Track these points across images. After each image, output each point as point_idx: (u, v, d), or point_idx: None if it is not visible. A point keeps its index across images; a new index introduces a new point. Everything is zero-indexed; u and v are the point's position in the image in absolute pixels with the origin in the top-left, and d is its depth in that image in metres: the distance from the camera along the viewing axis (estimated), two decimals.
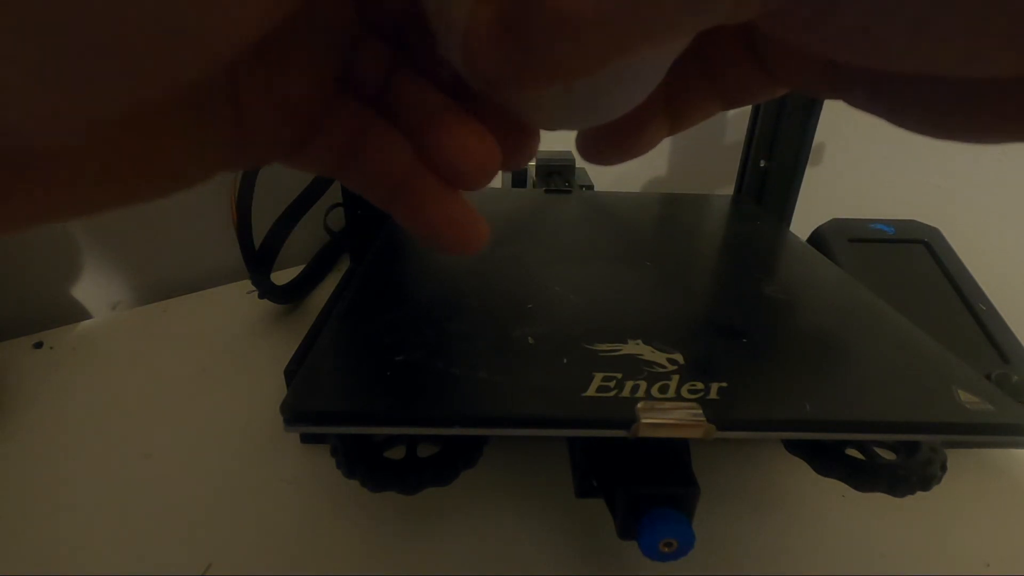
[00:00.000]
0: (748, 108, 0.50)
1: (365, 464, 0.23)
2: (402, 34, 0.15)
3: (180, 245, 0.53)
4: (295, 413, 0.21)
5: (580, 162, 0.59)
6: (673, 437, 0.21)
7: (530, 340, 0.25)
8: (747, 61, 0.14)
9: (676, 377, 0.23)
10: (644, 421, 0.20)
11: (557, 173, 0.56)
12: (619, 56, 0.09)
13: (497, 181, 0.61)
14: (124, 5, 0.07)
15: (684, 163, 0.67)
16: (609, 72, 0.11)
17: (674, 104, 0.15)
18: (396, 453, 0.23)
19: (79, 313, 0.49)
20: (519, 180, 0.58)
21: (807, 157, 0.47)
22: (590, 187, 0.55)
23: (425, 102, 0.14)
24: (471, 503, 0.29)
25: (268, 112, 0.12)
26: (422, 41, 0.14)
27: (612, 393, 0.22)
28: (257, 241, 0.43)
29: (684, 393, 0.22)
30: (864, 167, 0.64)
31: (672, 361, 0.24)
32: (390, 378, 0.22)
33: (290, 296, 0.48)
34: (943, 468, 0.24)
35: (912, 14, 0.08)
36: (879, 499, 0.23)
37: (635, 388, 0.22)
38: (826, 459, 0.24)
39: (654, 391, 0.22)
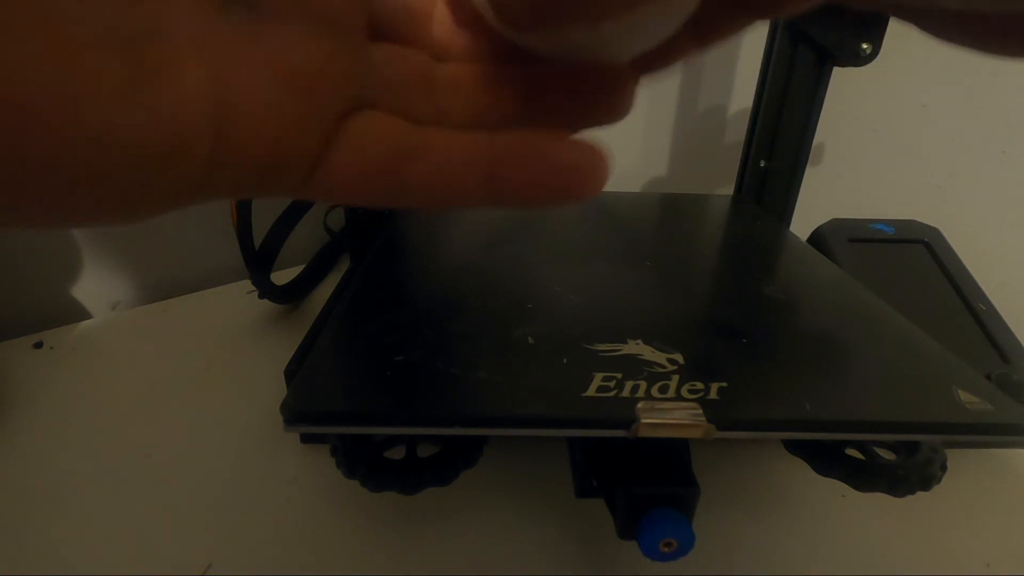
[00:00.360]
0: (748, 109, 0.50)
1: (365, 464, 0.23)
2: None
3: (180, 245, 0.53)
4: (295, 413, 0.21)
5: None
6: (673, 437, 0.21)
7: (530, 340, 0.25)
8: None
9: (676, 377, 0.23)
10: (644, 421, 0.20)
11: None
12: None
13: None
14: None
15: (684, 163, 0.67)
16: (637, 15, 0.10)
17: (702, 22, 0.13)
18: (396, 453, 0.23)
19: (79, 313, 0.49)
20: None
21: (807, 157, 0.47)
22: None
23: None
24: (471, 503, 0.29)
25: (264, 89, 0.11)
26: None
27: (612, 393, 0.22)
28: (257, 241, 0.43)
29: (684, 393, 0.22)
30: (864, 167, 0.64)
31: (672, 361, 0.24)
32: (390, 378, 0.22)
33: (290, 296, 0.48)
34: (943, 468, 0.24)
35: None
36: (879, 499, 0.23)
37: (635, 388, 0.22)
38: (826, 459, 0.24)
39: (654, 391, 0.22)
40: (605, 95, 0.14)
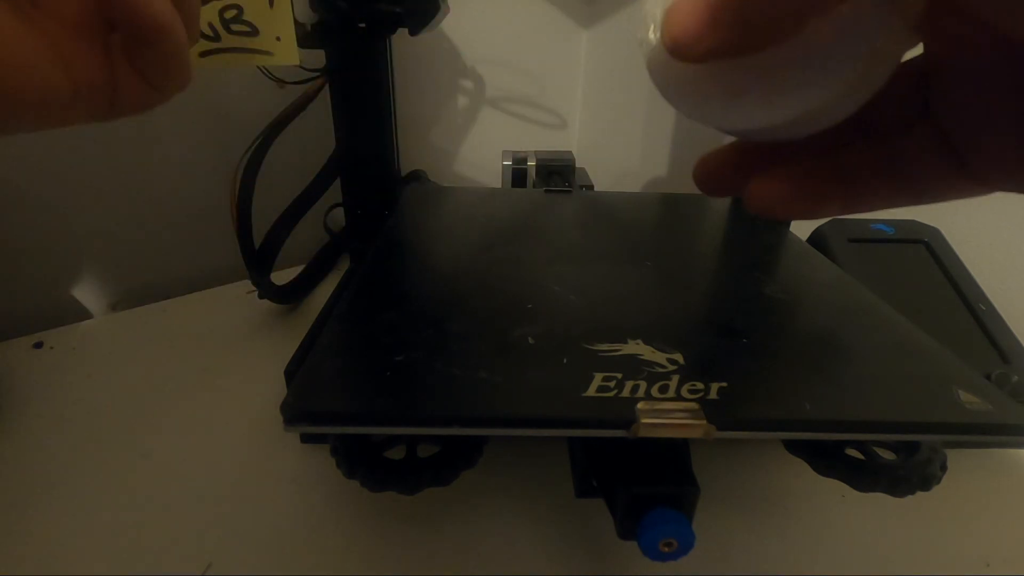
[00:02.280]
0: None
1: (365, 464, 0.23)
2: None
3: (180, 245, 0.53)
4: (295, 413, 0.21)
5: (580, 162, 0.59)
6: (673, 437, 0.21)
7: (530, 340, 0.25)
8: (934, 150, 0.12)
9: (676, 377, 0.23)
10: (644, 421, 0.20)
11: (557, 173, 0.56)
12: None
13: (497, 181, 0.61)
14: None
15: (684, 163, 0.67)
16: (799, 49, 0.11)
17: (849, 185, 0.14)
18: (396, 453, 0.23)
19: (79, 313, 0.49)
20: (519, 180, 0.58)
21: None
22: (590, 187, 0.55)
23: None
24: (471, 503, 0.29)
25: None
26: None
27: (612, 393, 0.22)
28: (257, 241, 0.43)
29: (684, 393, 0.22)
30: None
31: (672, 361, 0.24)
32: (390, 378, 0.22)
33: (290, 296, 0.48)
34: (943, 468, 0.24)
35: None
36: (879, 499, 0.23)
37: (635, 388, 0.22)
38: (826, 459, 0.24)
39: (654, 391, 0.22)
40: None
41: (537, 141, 0.72)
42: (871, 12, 0.11)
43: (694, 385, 0.22)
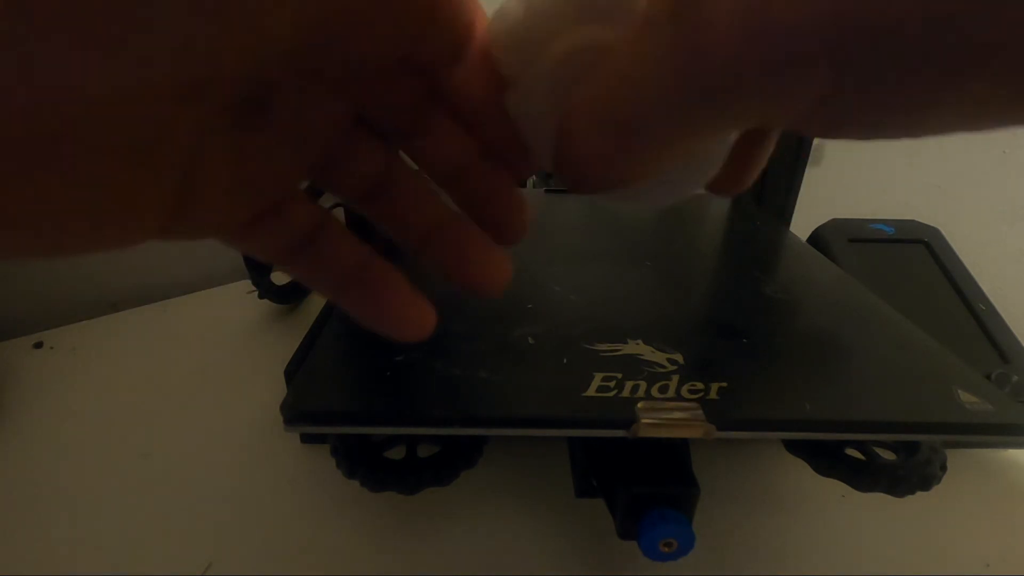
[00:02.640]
0: None
1: (365, 464, 0.23)
2: (405, 126, 0.14)
3: (180, 245, 0.53)
4: (295, 413, 0.21)
5: None
6: (673, 437, 0.21)
7: (530, 340, 0.25)
8: None
9: (676, 377, 0.23)
10: (644, 421, 0.20)
11: None
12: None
13: None
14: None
15: None
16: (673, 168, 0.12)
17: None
18: (396, 453, 0.23)
19: (79, 313, 0.49)
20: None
21: (807, 157, 0.47)
22: None
23: (431, 212, 0.15)
24: (471, 503, 0.29)
25: (229, 185, 0.12)
26: (421, 134, 0.14)
27: (612, 393, 0.22)
28: None
29: (684, 393, 0.22)
30: (864, 167, 0.64)
31: (672, 361, 0.24)
32: (390, 378, 0.22)
33: (290, 296, 0.48)
34: (943, 468, 0.24)
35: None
36: (879, 499, 0.23)
37: (635, 388, 0.22)
38: (826, 459, 0.24)
39: (654, 391, 0.22)
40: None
41: None
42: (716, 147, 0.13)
43: (694, 385, 0.22)
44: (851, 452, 0.24)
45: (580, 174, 0.12)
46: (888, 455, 0.24)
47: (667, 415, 0.20)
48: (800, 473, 0.27)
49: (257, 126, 0.12)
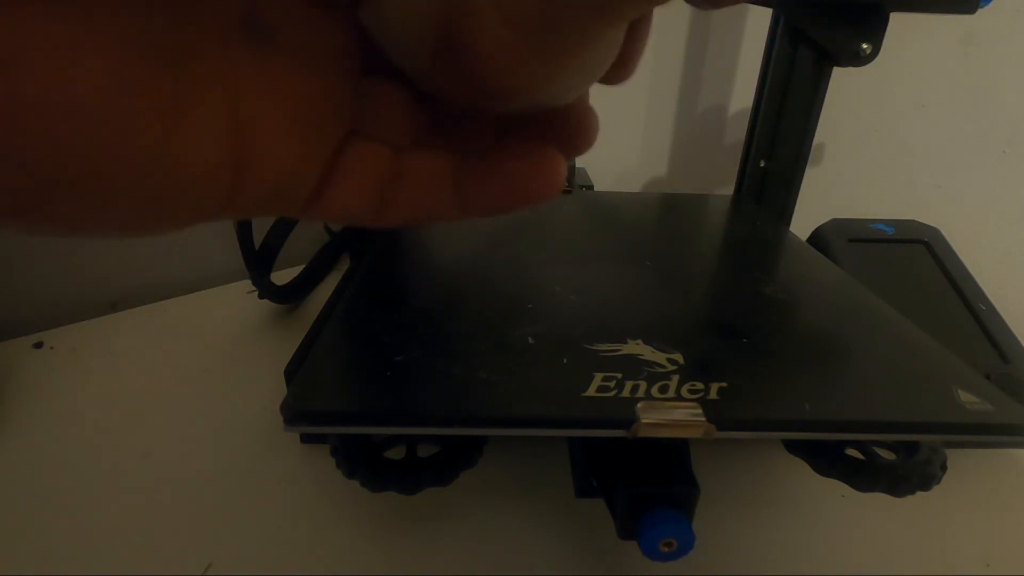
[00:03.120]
0: (748, 109, 0.50)
1: (365, 464, 0.23)
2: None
3: (180, 245, 0.53)
4: (295, 413, 0.21)
5: (580, 162, 0.59)
6: (673, 437, 0.21)
7: (530, 340, 0.25)
8: None
9: (676, 377, 0.23)
10: (644, 421, 0.20)
11: None
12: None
13: None
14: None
15: (684, 163, 0.67)
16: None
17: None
18: (396, 453, 0.23)
19: (79, 313, 0.49)
20: None
21: (807, 157, 0.47)
22: (590, 187, 0.55)
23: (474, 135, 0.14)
24: (471, 503, 0.29)
25: (281, 123, 0.11)
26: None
27: (612, 393, 0.22)
28: (257, 241, 0.43)
29: (684, 393, 0.22)
30: (864, 167, 0.64)
31: (672, 361, 0.24)
32: (390, 378, 0.22)
33: (290, 296, 0.48)
34: (943, 468, 0.24)
35: None
36: (879, 499, 0.23)
37: (635, 388, 0.22)
38: (826, 459, 0.24)
39: (654, 391, 0.22)
40: (570, 130, 0.14)
41: None
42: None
43: (694, 385, 0.22)
44: (851, 452, 0.24)
45: (478, 83, 0.10)
46: (888, 455, 0.24)
47: (667, 415, 0.20)
48: (800, 473, 0.27)
49: (268, 44, 0.11)
